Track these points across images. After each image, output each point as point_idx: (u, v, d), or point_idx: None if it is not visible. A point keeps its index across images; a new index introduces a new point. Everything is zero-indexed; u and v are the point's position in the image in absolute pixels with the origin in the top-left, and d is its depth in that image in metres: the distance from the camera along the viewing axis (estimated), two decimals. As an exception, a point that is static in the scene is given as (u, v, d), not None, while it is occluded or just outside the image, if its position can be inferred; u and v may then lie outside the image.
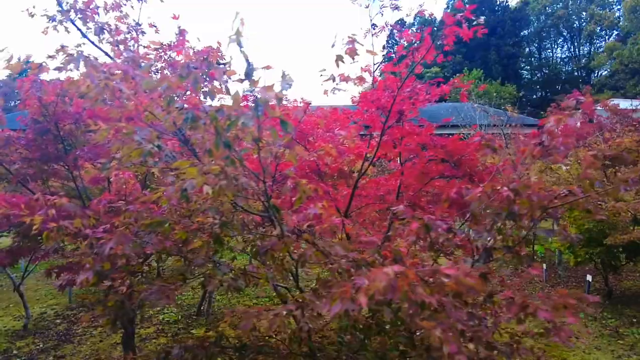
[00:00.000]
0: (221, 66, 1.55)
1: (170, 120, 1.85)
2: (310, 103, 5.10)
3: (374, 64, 10.48)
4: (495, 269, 2.35)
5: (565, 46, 54.03)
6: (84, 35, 2.62)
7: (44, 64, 2.19)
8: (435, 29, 3.36)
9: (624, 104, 14.34)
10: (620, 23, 47.10)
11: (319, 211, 2.00)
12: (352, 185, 4.59)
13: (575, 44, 52.96)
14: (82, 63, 2.14)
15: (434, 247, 2.14)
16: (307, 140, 3.93)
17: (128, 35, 3.13)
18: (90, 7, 3.75)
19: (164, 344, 7.19)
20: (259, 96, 1.56)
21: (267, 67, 1.58)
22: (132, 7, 4.35)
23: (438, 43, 4.09)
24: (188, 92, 2.88)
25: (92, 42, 2.67)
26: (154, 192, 2.17)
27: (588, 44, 52.02)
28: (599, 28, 49.98)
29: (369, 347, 2.51)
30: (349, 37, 2.16)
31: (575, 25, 51.92)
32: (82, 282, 2.03)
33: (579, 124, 2.56)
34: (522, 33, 52.89)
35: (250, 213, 2.29)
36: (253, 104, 1.58)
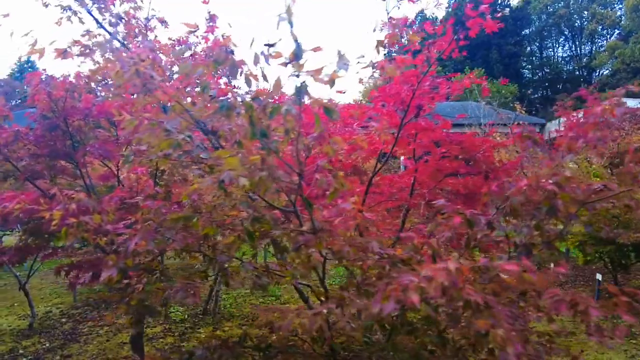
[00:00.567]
0: (267, 47, 1.47)
1: (208, 109, 1.76)
2: (332, 99, 5.02)
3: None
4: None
5: (567, 45, 53.97)
6: (101, 26, 2.53)
7: (68, 48, 2.10)
8: (459, 21, 3.29)
9: (631, 102, 14.27)
10: (622, 22, 47.03)
11: (351, 206, 1.92)
12: (367, 182, 4.51)
13: (577, 43, 52.91)
14: (97, 52, 2.07)
15: (470, 244, 2.06)
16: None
17: (143, 27, 3.05)
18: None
19: (171, 344, 7.12)
20: (300, 81, 1.48)
21: (316, 49, 1.49)
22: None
23: (454, 37, 4.00)
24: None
25: (110, 33, 2.59)
26: (181, 186, 2.08)
27: (589, 43, 51.95)
28: (601, 27, 49.92)
29: (398, 346, 2.43)
30: (389, 21, 2.09)
31: (576, 24, 51.85)
32: (106, 280, 1.95)
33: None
34: (523, 32, 52.82)
35: (275, 208, 2.21)
36: (296, 89, 1.50)
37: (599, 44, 51.15)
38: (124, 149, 4.94)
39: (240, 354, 2.42)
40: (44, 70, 4.62)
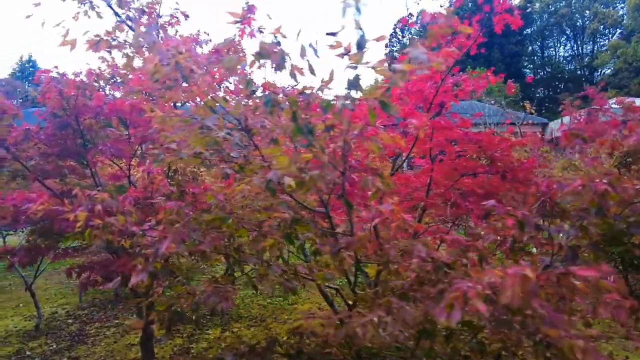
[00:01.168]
0: (330, 36, 1.38)
1: (249, 105, 1.67)
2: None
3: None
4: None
5: (568, 45, 53.89)
6: (122, 20, 2.44)
7: (102, 38, 1.99)
8: (485, 16, 3.21)
9: (638, 101, 14.18)
10: (624, 21, 46.95)
11: (393, 207, 1.83)
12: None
13: (579, 42, 52.83)
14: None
15: (515, 247, 1.98)
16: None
17: (164, 21, 2.95)
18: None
19: (180, 345, 7.03)
20: (354, 73, 1.39)
21: (379, 39, 1.40)
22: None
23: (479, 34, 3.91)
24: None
25: (130, 27, 2.50)
26: (226, 184, 1.98)
27: (591, 42, 51.88)
28: (602, 26, 49.83)
29: (431, 352, 2.34)
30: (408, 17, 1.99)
31: (578, 23, 51.77)
32: (136, 284, 1.86)
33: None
34: (525, 31, 52.69)
35: (307, 209, 2.12)
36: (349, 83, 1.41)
37: (601, 43, 51.09)
38: (136, 148, 4.86)
39: (270, 360, 2.33)
40: (56, 67, 4.53)
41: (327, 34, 1.36)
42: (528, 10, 49.95)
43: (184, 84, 1.83)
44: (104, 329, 7.83)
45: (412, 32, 56.27)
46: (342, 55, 1.40)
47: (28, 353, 6.86)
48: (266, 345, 2.36)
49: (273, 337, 2.44)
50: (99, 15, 2.90)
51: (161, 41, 2.02)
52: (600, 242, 2.02)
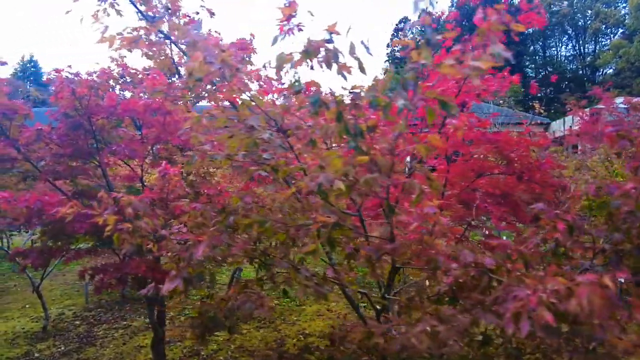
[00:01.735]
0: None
1: (292, 105, 1.61)
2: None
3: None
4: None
5: (570, 44, 53.81)
6: (145, 17, 2.38)
7: (141, 35, 1.92)
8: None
9: (644, 101, 14.09)
10: (626, 21, 46.88)
11: (436, 210, 1.77)
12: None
13: (580, 42, 52.76)
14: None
15: (558, 251, 1.92)
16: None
17: (188, 19, 2.88)
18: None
19: (189, 347, 6.97)
20: (408, 72, 1.33)
21: (448, 36, 1.34)
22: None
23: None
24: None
25: (147, 18, 2.44)
26: (278, 188, 1.91)
27: (593, 42, 51.80)
28: (604, 26, 49.75)
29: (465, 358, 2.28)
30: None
31: (580, 23, 51.69)
32: (170, 291, 1.80)
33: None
34: (527, 31, 52.59)
35: (344, 213, 2.06)
36: (404, 80, 1.36)
37: (603, 43, 51.01)
38: (149, 149, 4.80)
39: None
40: (69, 66, 4.47)
41: (397, 27, 1.30)
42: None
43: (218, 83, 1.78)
44: (112, 330, 7.77)
45: (414, 32, 56.22)
46: (407, 52, 1.34)
47: (37, 355, 6.80)
48: (297, 352, 2.29)
49: (305, 344, 2.38)
50: (118, 13, 2.85)
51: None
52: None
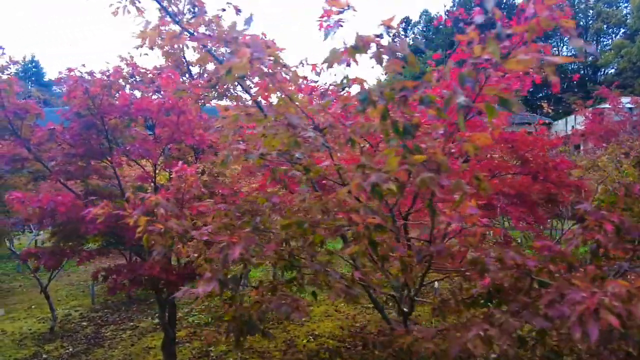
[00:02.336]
0: None
1: (342, 101, 1.56)
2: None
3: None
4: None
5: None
6: (169, 14, 2.33)
7: (183, 31, 1.86)
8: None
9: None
10: (628, 21, 46.86)
11: (478, 211, 1.73)
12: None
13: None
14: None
15: (597, 252, 1.88)
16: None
17: (211, 15, 2.83)
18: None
19: (198, 348, 6.92)
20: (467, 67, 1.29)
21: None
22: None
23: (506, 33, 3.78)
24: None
25: (177, 22, 2.38)
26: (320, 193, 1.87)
27: (595, 42, 51.75)
28: (606, 26, 49.72)
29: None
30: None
31: (581, 23, 51.64)
32: (204, 295, 1.75)
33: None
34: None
35: (376, 214, 2.01)
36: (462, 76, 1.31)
37: (605, 42, 50.98)
38: (162, 149, 4.75)
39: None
40: (83, 65, 4.42)
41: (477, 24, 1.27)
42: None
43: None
44: (120, 331, 7.72)
45: (415, 31, 56.16)
46: (481, 49, 1.30)
47: (45, 356, 6.75)
48: (329, 356, 2.24)
49: (334, 348, 2.33)
50: (138, 10, 2.80)
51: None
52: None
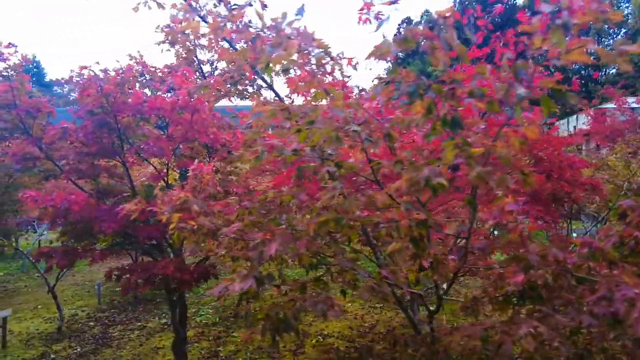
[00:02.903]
0: None
1: (385, 94, 1.53)
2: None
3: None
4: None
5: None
6: (195, 9, 2.30)
7: (227, 23, 1.83)
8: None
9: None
10: (629, 21, 46.84)
11: (516, 207, 1.71)
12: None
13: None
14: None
15: (636, 249, 1.85)
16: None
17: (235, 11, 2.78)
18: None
19: (207, 348, 6.89)
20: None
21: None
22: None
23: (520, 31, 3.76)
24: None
25: (202, 18, 2.35)
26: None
27: (596, 42, 51.69)
28: (607, 26, 49.68)
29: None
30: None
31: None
32: (238, 292, 1.72)
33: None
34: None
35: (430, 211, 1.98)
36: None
37: (606, 43, 50.96)
38: (175, 147, 4.72)
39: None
40: (97, 62, 4.39)
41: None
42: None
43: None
44: (128, 331, 7.69)
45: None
46: (542, 40, 1.27)
47: (53, 356, 6.72)
48: (358, 355, 2.22)
49: (367, 346, 2.30)
50: (160, 6, 2.77)
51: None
52: None
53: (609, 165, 7.33)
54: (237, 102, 7.14)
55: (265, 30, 1.62)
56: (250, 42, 2.25)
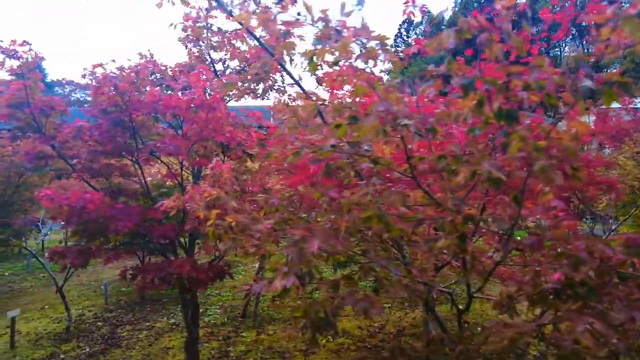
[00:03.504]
0: None
1: (435, 88, 1.50)
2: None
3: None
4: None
5: (574, 44, 53.76)
6: (221, 4, 2.27)
7: (274, 13, 1.79)
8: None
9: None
10: (630, 21, 46.83)
11: (559, 204, 1.68)
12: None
13: (584, 42, 52.74)
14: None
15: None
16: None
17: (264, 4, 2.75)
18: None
19: (217, 349, 6.86)
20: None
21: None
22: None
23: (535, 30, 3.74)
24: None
25: (230, 14, 2.33)
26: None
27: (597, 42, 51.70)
28: (608, 26, 49.70)
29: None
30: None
31: (583, 22, 51.59)
32: (279, 290, 1.69)
33: None
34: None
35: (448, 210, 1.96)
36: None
37: (607, 43, 50.91)
38: (191, 146, 4.68)
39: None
40: (113, 60, 4.36)
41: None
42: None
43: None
44: (136, 331, 7.65)
45: (417, 32, 56.22)
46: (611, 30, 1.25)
47: (62, 357, 6.69)
48: (390, 355, 2.19)
49: (398, 345, 2.27)
50: (183, 1, 2.75)
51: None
52: None
53: (620, 165, 7.31)
54: (245, 101, 7.11)
55: (318, 23, 1.59)
56: (280, 38, 2.22)
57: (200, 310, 8.74)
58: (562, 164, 5.17)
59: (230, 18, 2.34)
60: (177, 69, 5.97)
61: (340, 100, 2.70)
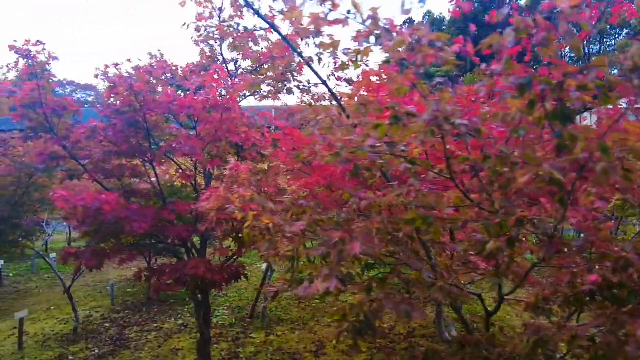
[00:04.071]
0: None
1: (487, 87, 1.47)
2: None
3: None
4: None
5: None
6: (249, 4, 2.22)
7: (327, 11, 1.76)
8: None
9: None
10: (632, 21, 46.89)
11: (603, 205, 1.66)
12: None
13: (585, 42, 52.74)
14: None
15: None
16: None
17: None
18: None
19: (227, 350, 6.83)
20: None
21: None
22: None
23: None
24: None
25: (257, 13, 2.28)
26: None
27: (598, 42, 51.76)
28: (609, 26, 49.75)
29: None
30: None
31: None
32: (318, 292, 1.66)
33: None
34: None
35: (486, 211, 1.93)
36: None
37: (608, 43, 50.98)
38: (205, 146, 4.66)
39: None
40: (129, 60, 4.34)
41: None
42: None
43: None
44: (145, 333, 7.62)
45: (418, 32, 56.10)
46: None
47: (71, 358, 6.65)
48: (424, 357, 2.16)
49: (432, 347, 2.25)
50: (197, 2, 2.73)
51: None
52: None
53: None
54: (247, 102, 7.07)
55: (367, 21, 1.56)
56: (311, 37, 2.19)
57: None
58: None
59: (275, 16, 2.31)
60: (188, 69, 5.94)
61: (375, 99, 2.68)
